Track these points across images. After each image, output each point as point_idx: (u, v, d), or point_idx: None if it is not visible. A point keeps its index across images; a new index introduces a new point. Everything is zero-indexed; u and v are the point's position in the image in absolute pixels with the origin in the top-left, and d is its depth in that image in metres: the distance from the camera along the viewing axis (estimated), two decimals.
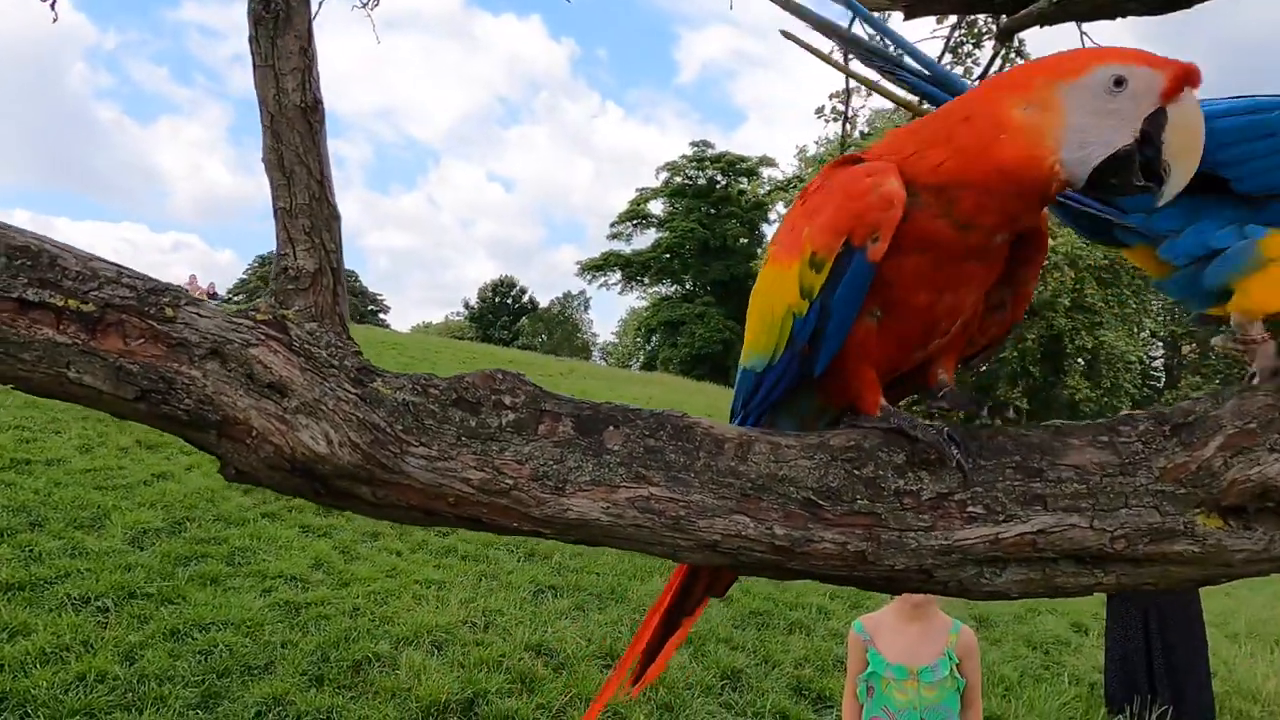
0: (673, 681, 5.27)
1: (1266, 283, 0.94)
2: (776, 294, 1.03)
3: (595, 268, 46.92)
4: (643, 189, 46.02)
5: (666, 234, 43.22)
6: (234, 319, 0.89)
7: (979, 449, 0.85)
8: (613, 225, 46.73)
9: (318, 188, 0.95)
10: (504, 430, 0.87)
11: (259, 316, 0.90)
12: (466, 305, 62.30)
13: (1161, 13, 1.74)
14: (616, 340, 56.35)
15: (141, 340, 0.85)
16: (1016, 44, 3.87)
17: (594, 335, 63.64)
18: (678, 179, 44.00)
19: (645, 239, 45.57)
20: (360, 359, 0.91)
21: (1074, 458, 0.86)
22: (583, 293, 63.04)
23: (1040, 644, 6.68)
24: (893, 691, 3.10)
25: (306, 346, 0.89)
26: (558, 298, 63.91)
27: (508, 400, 0.88)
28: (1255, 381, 0.87)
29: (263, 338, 0.87)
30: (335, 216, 1.00)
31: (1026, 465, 0.85)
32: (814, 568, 0.84)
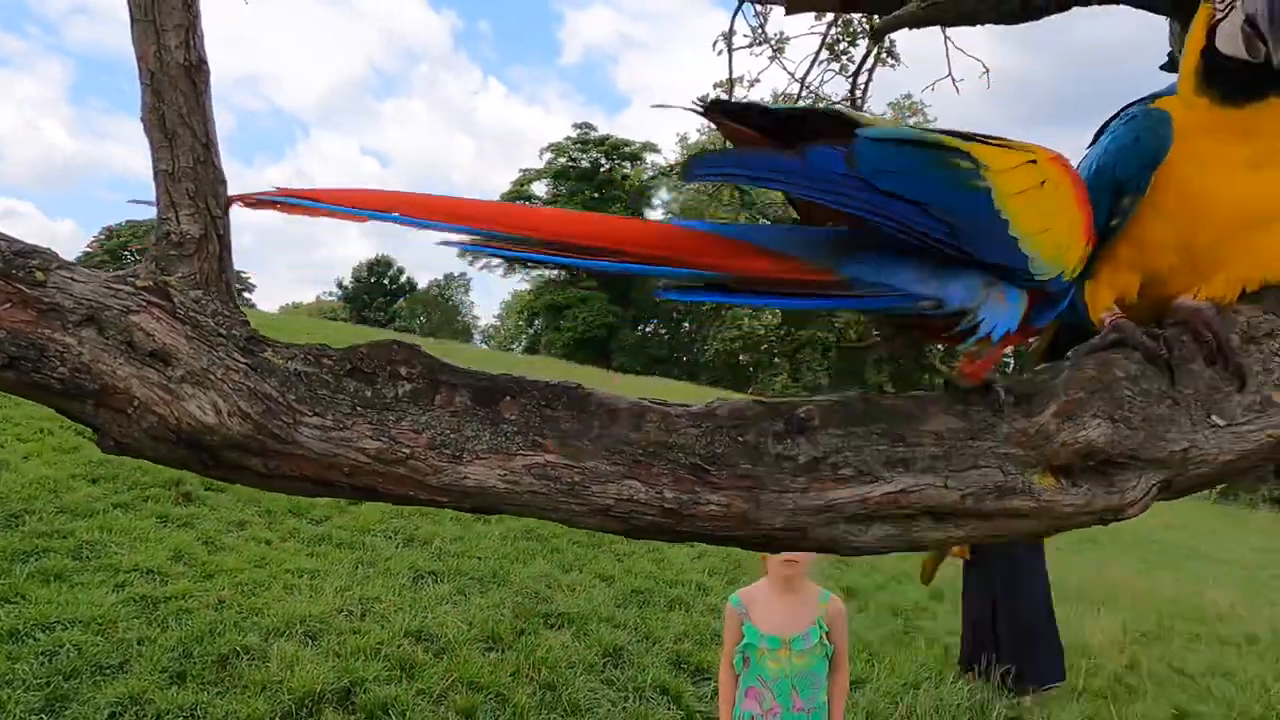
0: (554, 661, 5.31)
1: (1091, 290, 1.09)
2: None
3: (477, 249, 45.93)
4: (526, 170, 45.42)
5: None
6: (111, 284, 0.85)
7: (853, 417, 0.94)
8: None
9: (203, 150, 0.91)
10: (400, 400, 0.87)
11: (139, 283, 0.85)
12: (340, 285, 59.73)
13: (1013, 23, 1.89)
14: (499, 323, 55.55)
15: (8, 305, 0.79)
16: (888, 43, 4.10)
17: (475, 318, 62.47)
18: (561, 160, 43.69)
19: None
20: (249, 328, 0.89)
21: (932, 424, 0.95)
22: (464, 274, 61.75)
23: (901, 611, 7.13)
24: (766, 661, 3.25)
25: (192, 314, 0.86)
26: (437, 279, 62.32)
27: (403, 371, 0.89)
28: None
29: (144, 304, 0.83)
30: (221, 181, 0.95)
31: (892, 431, 0.94)
32: (700, 529, 0.89)
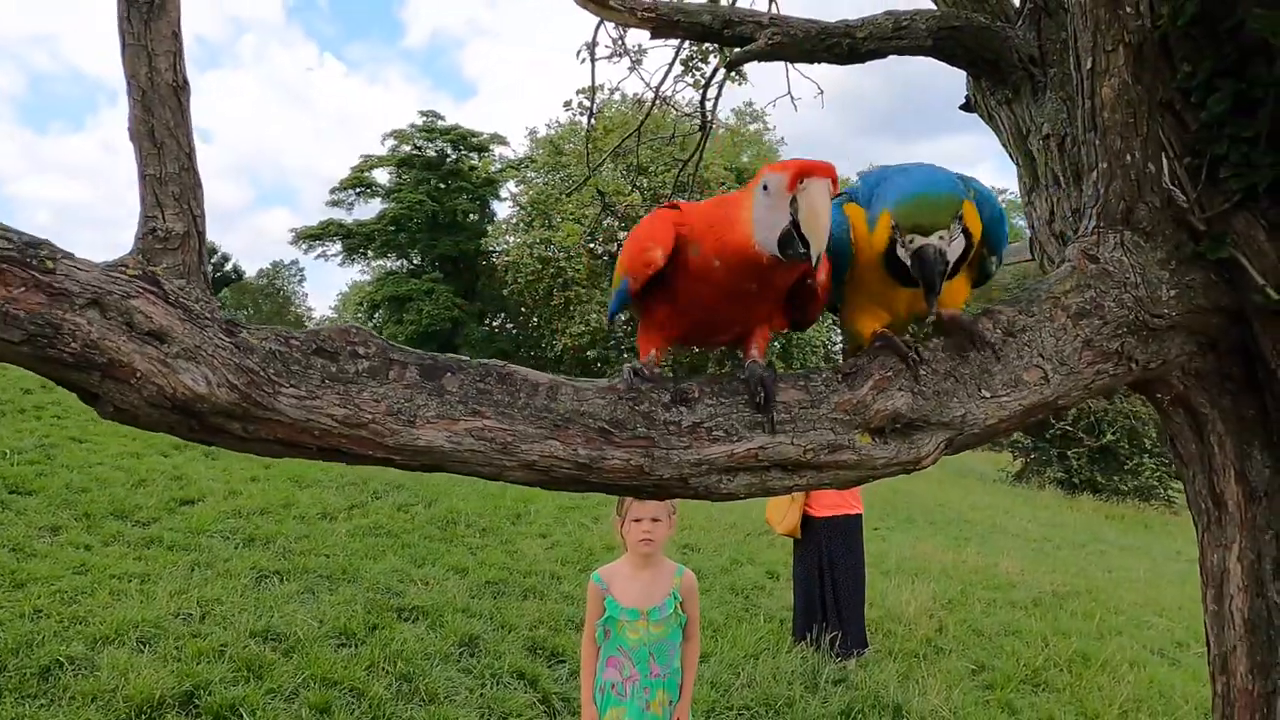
0: (410, 653, 5.32)
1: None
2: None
3: (313, 237, 43.64)
4: (367, 156, 43.56)
5: (393, 205, 41.34)
6: (109, 273, 0.94)
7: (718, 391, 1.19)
8: (333, 192, 43.74)
9: (186, 159, 1.01)
10: (360, 375, 1.02)
11: (130, 271, 0.95)
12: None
13: (844, 64, 2.22)
14: (335, 315, 52.98)
15: (24, 289, 0.87)
16: (738, 70, 4.47)
17: (309, 309, 59.29)
18: (406, 148, 42.26)
19: (369, 209, 43.27)
20: (224, 313, 1.00)
21: (784, 396, 1.21)
22: (296, 263, 58.42)
23: (741, 590, 7.62)
24: (625, 632, 3.50)
25: (181, 300, 0.97)
26: (267, 267, 58.62)
27: (361, 350, 1.04)
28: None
29: (140, 290, 0.94)
30: (199, 184, 1.05)
31: (753, 401, 1.19)
32: (607, 480, 1.10)
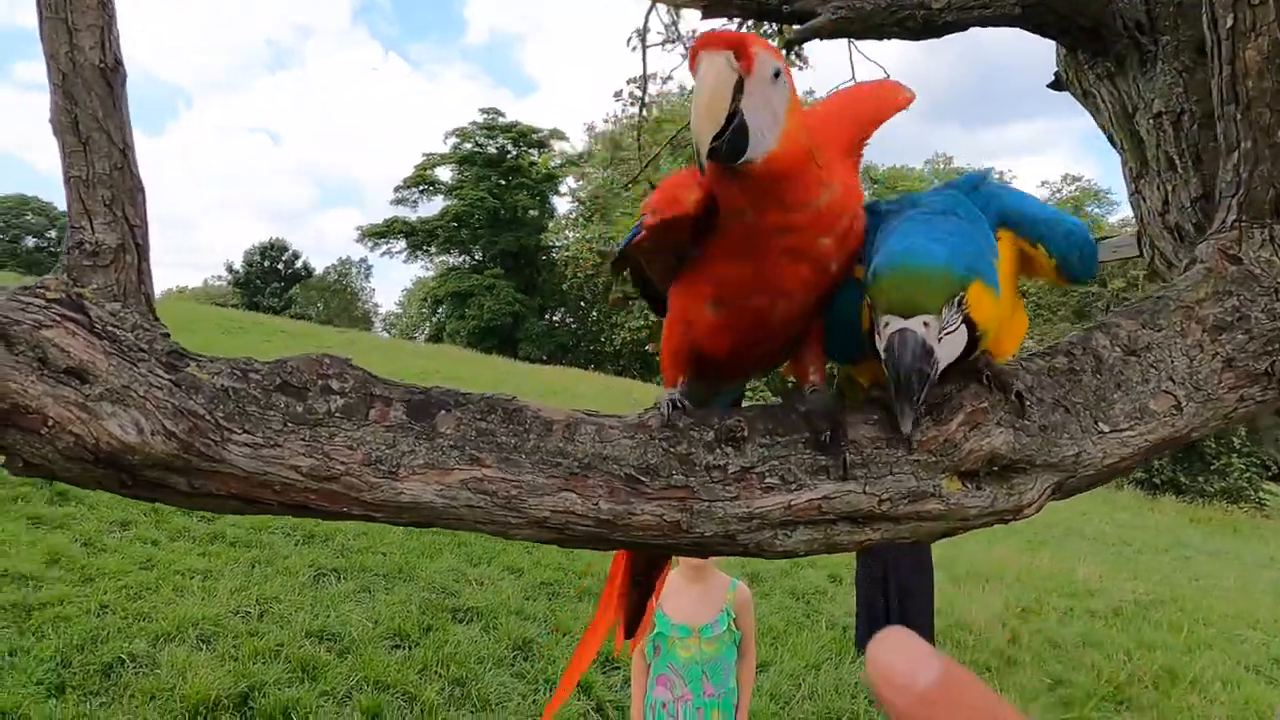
0: (463, 656, 5.26)
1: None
2: None
3: (378, 235, 44.59)
4: (430, 154, 44.25)
5: (455, 202, 41.93)
6: (19, 297, 0.78)
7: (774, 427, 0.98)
8: (397, 190, 44.60)
9: (119, 156, 0.86)
10: (333, 415, 0.85)
11: (50, 295, 0.79)
12: (230, 269, 56.88)
13: (918, 39, 1.99)
14: (400, 311, 54.09)
15: None
16: (798, 50, 4.21)
17: (375, 305, 60.66)
18: (467, 145, 42.78)
19: (432, 206, 43.97)
20: (170, 341, 0.84)
21: (853, 432, 1.00)
22: (364, 260, 59.80)
23: (802, 595, 7.38)
24: (676, 649, 3.33)
25: (110, 328, 0.80)
26: (335, 264, 60.11)
27: (335, 385, 0.86)
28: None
29: (58, 318, 0.78)
30: (139, 188, 0.89)
31: (816, 439, 0.98)
32: (635, 538, 0.91)
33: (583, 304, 37.35)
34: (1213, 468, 20.85)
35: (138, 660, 4.77)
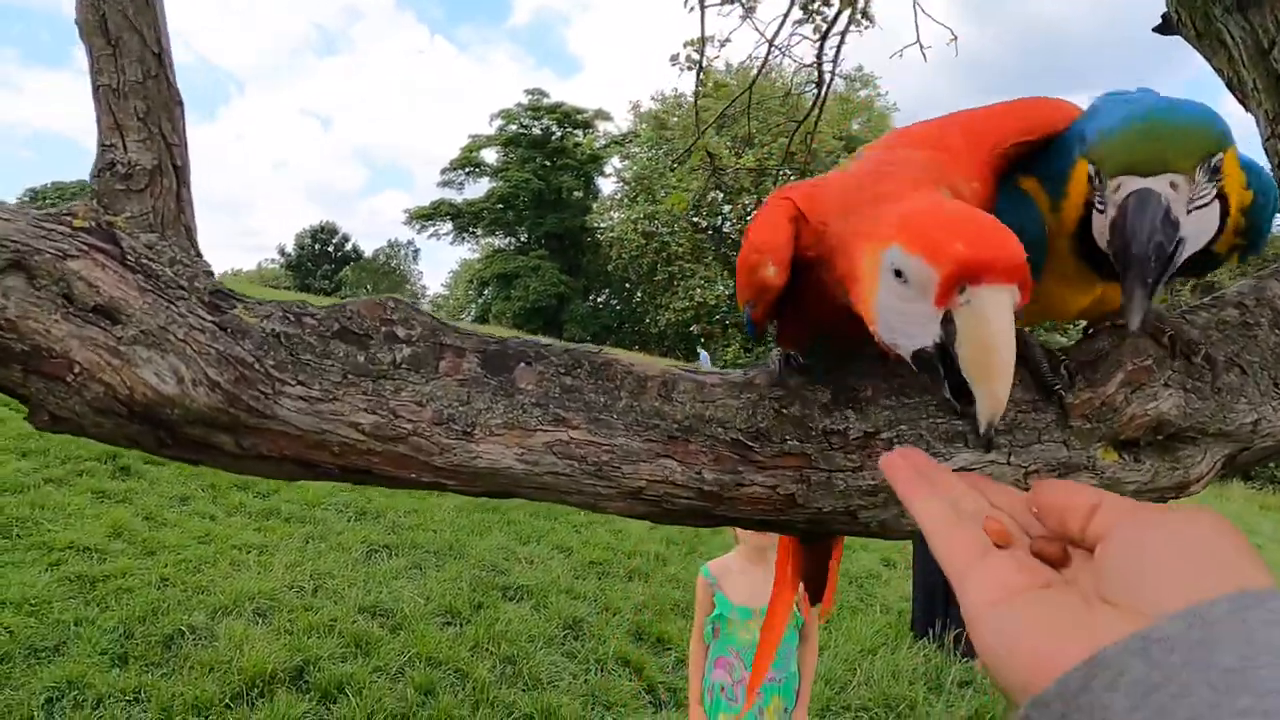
0: (514, 635, 5.24)
1: None
2: None
3: (425, 217, 45.03)
4: (475, 136, 44.42)
5: (500, 184, 42.08)
6: (43, 224, 0.68)
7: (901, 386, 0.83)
8: (443, 172, 44.91)
9: (154, 62, 0.75)
10: (399, 367, 0.74)
11: (77, 223, 0.69)
12: (282, 252, 58.08)
13: None
14: (447, 292, 54.70)
15: None
16: (862, 4, 4.01)
17: (423, 287, 61.39)
18: (512, 127, 42.84)
19: (478, 188, 44.19)
20: (213, 280, 0.74)
21: None
22: (410, 242, 60.50)
23: (856, 578, 7.23)
24: (737, 631, 3.22)
25: (145, 261, 0.70)
26: (383, 246, 60.93)
27: (401, 332, 0.75)
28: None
29: (86, 248, 0.67)
30: (177, 101, 0.79)
31: (949, 403, 0.84)
32: (742, 512, 0.79)
33: (627, 285, 37.26)
34: None
35: (197, 632, 4.84)
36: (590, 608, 5.86)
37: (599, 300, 41.87)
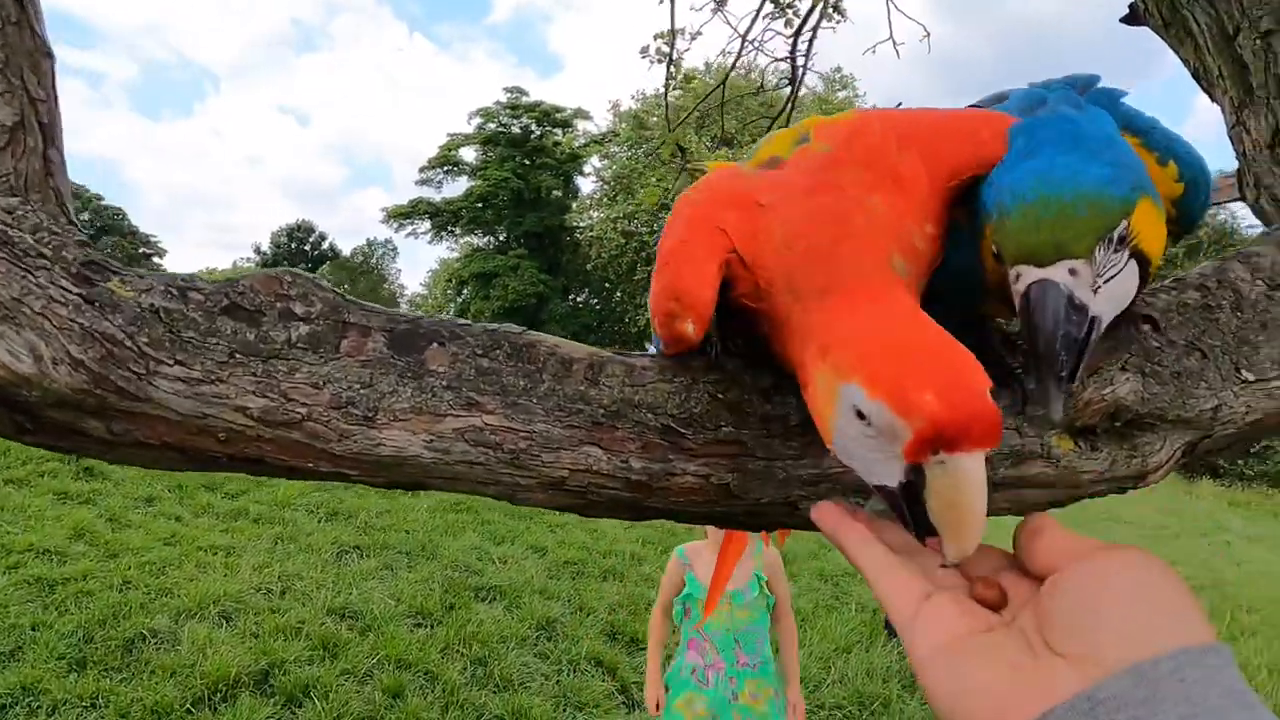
0: (486, 636, 5.18)
1: None
2: None
3: (403, 215, 44.64)
4: (454, 134, 44.10)
5: (479, 182, 41.81)
6: None
7: None
8: (422, 170, 44.54)
9: (14, 7, 0.68)
10: (294, 346, 0.68)
11: None
12: (257, 250, 57.44)
13: None
14: (426, 292, 54.33)
15: None
16: (835, 2, 3.98)
17: (402, 286, 60.92)
18: (491, 125, 42.59)
19: (456, 186, 43.89)
20: (87, 251, 0.67)
21: None
22: (389, 241, 60.01)
23: (831, 577, 7.23)
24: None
25: (1, 228, 0.64)
26: (362, 245, 60.43)
27: (299, 309, 0.69)
28: None
29: None
30: (45, 53, 0.71)
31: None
32: (673, 504, 0.74)
33: (607, 285, 37.16)
34: (1252, 451, 20.36)
35: (159, 636, 4.74)
36: (564, 608, 5.81)
37: (579, 299, 41.78)
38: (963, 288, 0.82)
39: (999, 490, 0.77)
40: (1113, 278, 0.72)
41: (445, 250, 49.58)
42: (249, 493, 7.64)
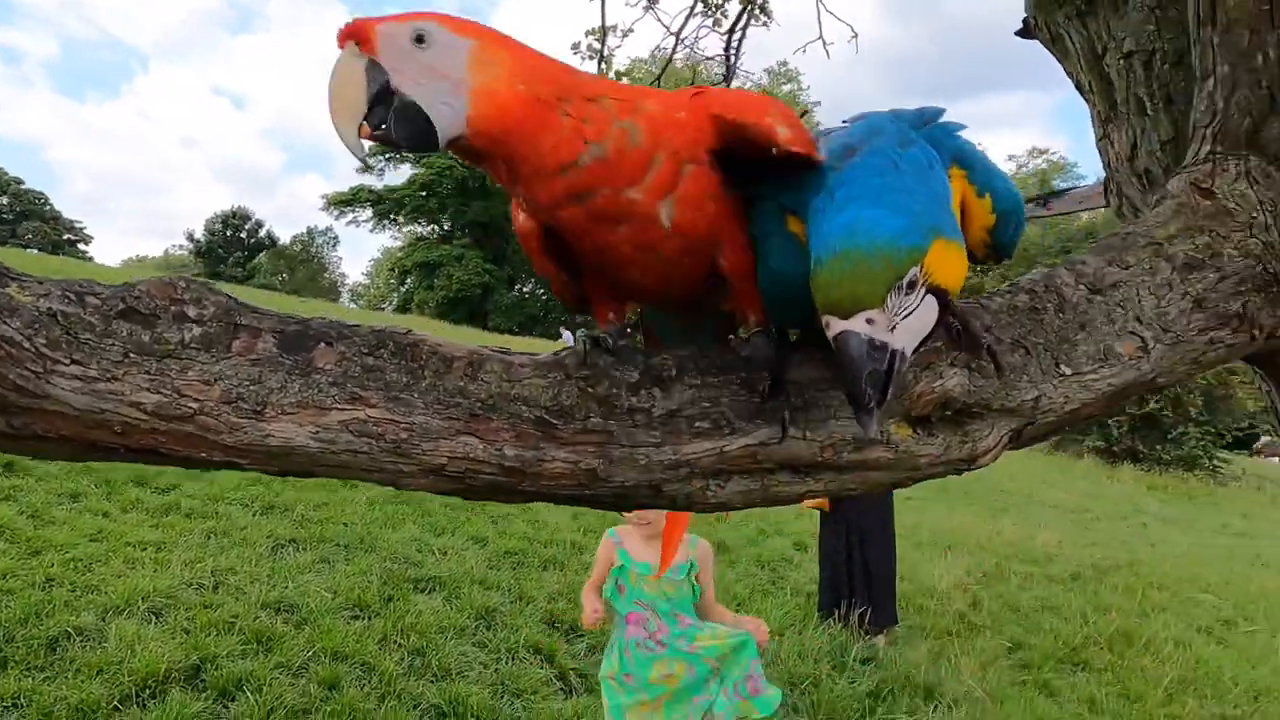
0: (424, 626, 5.19)
1: None
2: None
3: (344, 203, 43.75)
4: None
5: (422, 170, 41.21)
6: None
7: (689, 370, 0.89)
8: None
9: None
10: (187, 346, 0.74)
11: None
12: (191, 238, 55.60)
13: None
14: (368, 281, 53.34)
15: None
16: (760, 2, 4.09)
17: (343, 275, 59.74)
18: None
19: (400, 174, 43.16)
20: None
21: (792, 374, 0.92)
22: (330, 229, 58.73)
23: (768, 563, 7.40)
24: (641, 585, 3.28)
25: None
26: (301, 233, 58.97)
27: (191, 312, 0.75)
28: None
29: None
30: None
31: (751, 381, 0.89)
32: (545, 488, 0.82)
33: None
34: (1169, 436, 21.34)
35: (84, 634, 4.63)
36: (504, 597, 5.85)
37: (525, 290, 41.54)
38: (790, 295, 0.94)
39: (846, 473, 0.86)
40: (910, 314, 0.83)
41: (388, 239, 48.78)
42: (180, 487, 7.48)
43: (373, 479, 0.79)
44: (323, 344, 0.78)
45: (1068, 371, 0.93)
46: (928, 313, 0.84)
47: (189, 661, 4.44)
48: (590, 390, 0.82)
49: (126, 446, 0.73)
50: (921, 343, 0.86)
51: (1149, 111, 1.60)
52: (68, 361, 0.69)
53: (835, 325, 0.82)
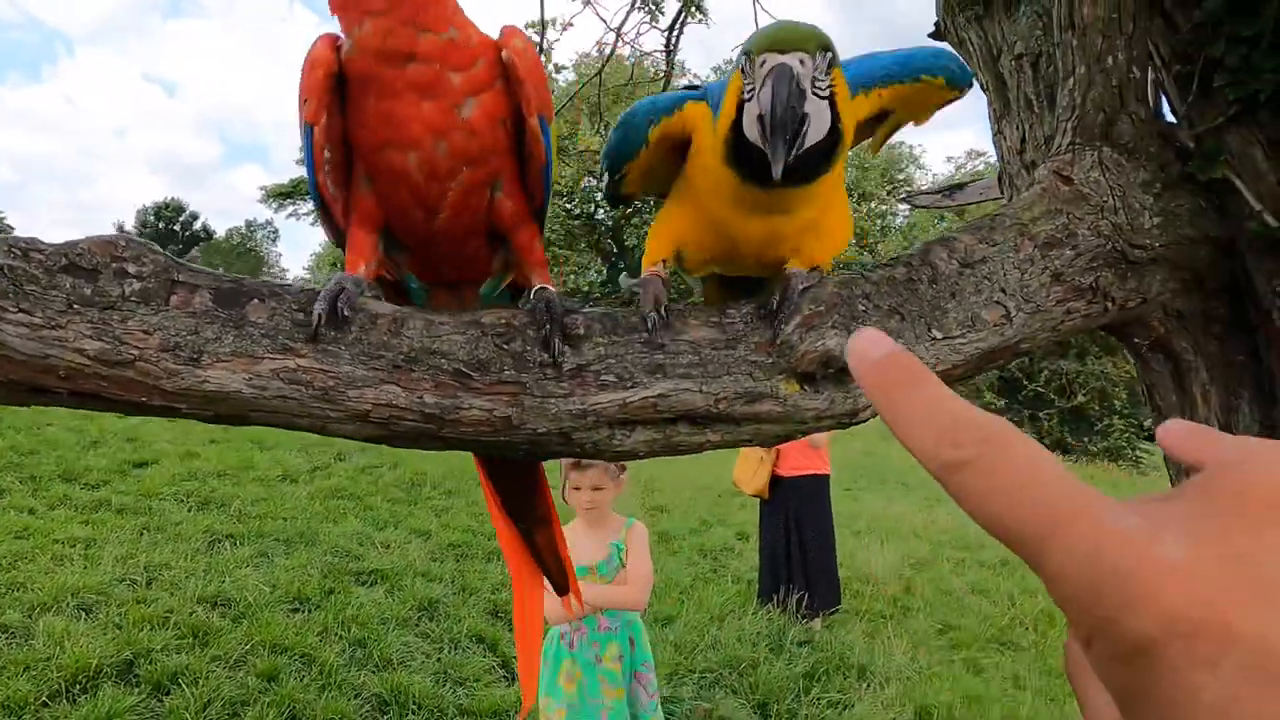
0: (366, 618, 5.18)
1: None
2: None
3: (283, 195, 42.63)
4: None
5: None
6: None
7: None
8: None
9: None
10: (127, 299, 0.79)
11: None
12: (120, 230, 53.53)
13: None
14: (309, 276, 52.18)
15: None
16: (699, 7, 4.20)
17: (284, 270, 58.25)
18: None
19: None
20: None
21: (691, 335, 1.01)
22: (270, 222, 57.26)
23: (710, 552, 7.54)
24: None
25: None
26: (239, 226, 57.37)
27: (131, 269, 0.80)
28: None
29: None
30: None
31: (652, 340, 0.98)
32: (464, 434, 0.89)
33: None
34: (1096, 428, 22.13)
35: (11, 631, 4.53)
36: (446, 589, 5.86)
37: None
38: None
39: (741, 425, 0.96)
40: (821, 95, 0.99)
41: None
42: (110, 483, 7.31)
43: (302, 425, 0.86)
44: (255, 300, 0.84)
45: (939, 335, 1.04)
46: (825, 114, 1.00)
47: (121, 657, 4.37)
48: (505, 346, 0.90)
49: (71, 391, 0.78)
50: (814, 147, 1.00)
51: (1035, 109, 1.74)
52: (14, 310, 0.74)
53: (771, 60, 0.98)
